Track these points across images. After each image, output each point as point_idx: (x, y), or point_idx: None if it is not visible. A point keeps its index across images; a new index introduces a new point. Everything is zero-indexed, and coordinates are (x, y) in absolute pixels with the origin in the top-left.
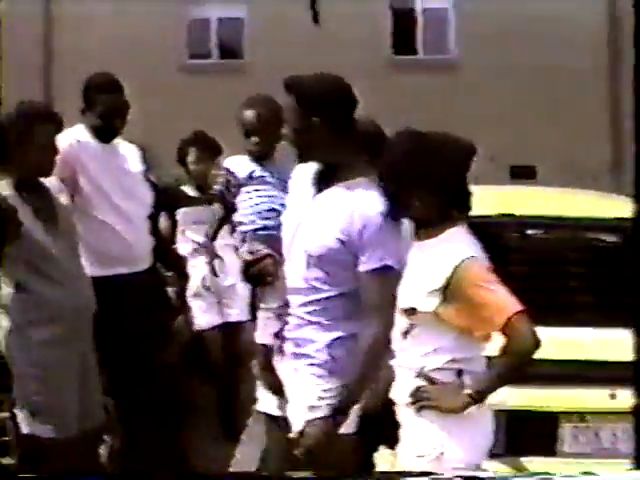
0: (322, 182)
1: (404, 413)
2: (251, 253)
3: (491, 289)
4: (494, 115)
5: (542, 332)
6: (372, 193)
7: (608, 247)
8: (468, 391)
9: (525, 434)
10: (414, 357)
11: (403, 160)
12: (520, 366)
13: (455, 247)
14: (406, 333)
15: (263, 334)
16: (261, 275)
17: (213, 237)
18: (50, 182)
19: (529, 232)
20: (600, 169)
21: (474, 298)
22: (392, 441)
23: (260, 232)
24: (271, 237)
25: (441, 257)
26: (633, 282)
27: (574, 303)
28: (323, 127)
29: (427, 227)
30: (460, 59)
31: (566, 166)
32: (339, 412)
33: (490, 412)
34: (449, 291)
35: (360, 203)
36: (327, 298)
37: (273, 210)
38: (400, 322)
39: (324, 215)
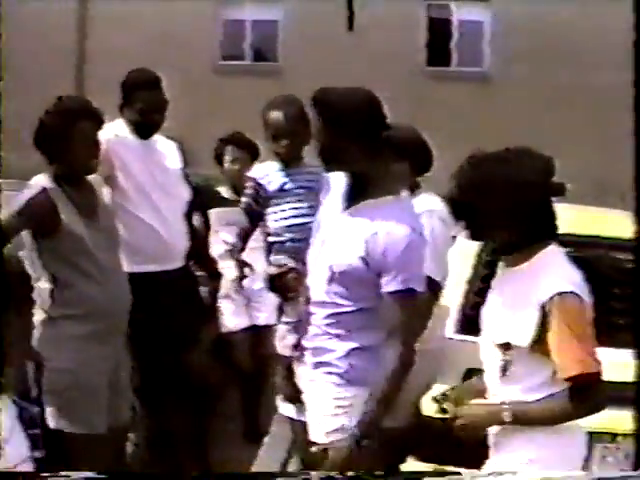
0: (351, 196)
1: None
2: (276, 266)
3: (572, 335)
4: (524, 130)
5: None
6: (398, 213)
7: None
8: (507, 418)
9: None
10: (513, 395)
11: (483, 184)
12: (562, 421)
13: (551, 276)
14: (504, 370)
15: (282, 345)
16: (284, 289)
17: (241, 249)
18: (93, 177)
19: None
20: (627, 188)
21: (556, 337)
22: (422, 452)
23: (286, 244)
24: (297, 250)
25: (536, 287)
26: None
27: (609, 323)
28: (351, 144)
29: (516, 252)
30: (493, 72)
31: (595, 184)
32: (363, 435)
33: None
34: (544, 325)
35: (386, 224)
36: (347, 312)
37: (300, 224)
38: (496, 357)
39: (349, 232)
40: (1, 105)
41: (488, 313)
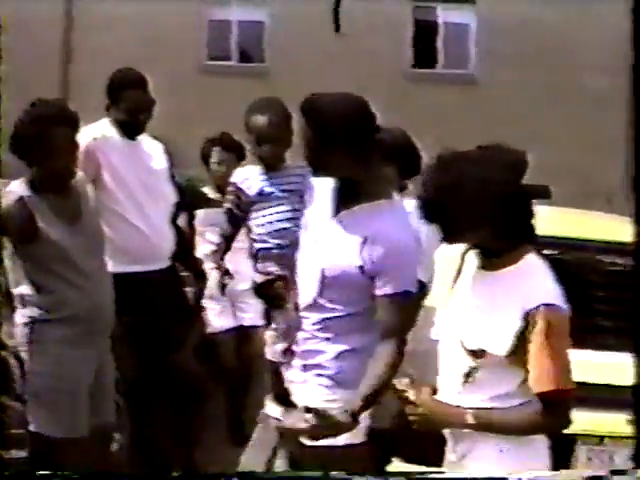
0: (341, 201)
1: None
2: (263, 274)
3: (553, 349)
4: (510, 132)
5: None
6: (393, 217)
7: (623, 271)
8: (470, 421)
9: None
10: (475, 402)
11: (452, 183)
12: (526, 434)
13: (536, 285)
14: (468, 375)
15: (272, 352)
16: (271, 296)
17: (223, 254)
18: (78, 176)
19: (545, 252)
20: (614, 191)
21: (537, 349)
22: (406, 453)
23: (273, 251)
24: (284, 256)
25: (520, 294)
26: (634, 305)
27: (591, 326)
28: (340, 150)
29: (495, 256)
30: (478, 74)
31: (580, 187)
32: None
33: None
34: (525, 334)
35: (381, 228)
36: (338, 317)
37: (285, 229)
38: (461, 362)
39: (343, 237)
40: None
41: (460, 316)
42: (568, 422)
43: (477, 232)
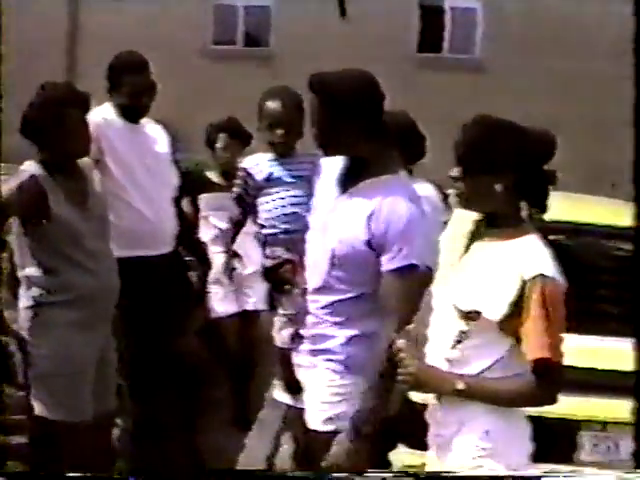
0: (348, 179)
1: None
2: (271, 258)
3: (547, 319)
4: (516, 118)
5: (566, 339)
6: (398, 190)
7: (628, 256)
8: (460, 386)
9: (544, 441)
10: (467, 369)
11: (485, 143)
12: (516, 404)
13: (535, 258)
14: (458, 341)
15: (280, 337)
16: (279, 281)
17: (232, 238)
18: (84, 161)
19: (551, 238)
20: (619, 176)
21: (529, 318)
22: (411, 440)
23: (281, 236)
24: (292, 241)
25: (519, 264)
26: (635, 291)
27: (597, 312)
28: (349, 126)
29: (500, 226)
30: (485, 59)
31: (586, 172)
32: (363, 422)
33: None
34: (519, 303)
35: (385, 200)
36: (347, 299)
37: (293, 213)
38: (453, 326)
39: (349, 214)
40: None
41: (456, 281)
42: (556, 397)
43: (497, 195)
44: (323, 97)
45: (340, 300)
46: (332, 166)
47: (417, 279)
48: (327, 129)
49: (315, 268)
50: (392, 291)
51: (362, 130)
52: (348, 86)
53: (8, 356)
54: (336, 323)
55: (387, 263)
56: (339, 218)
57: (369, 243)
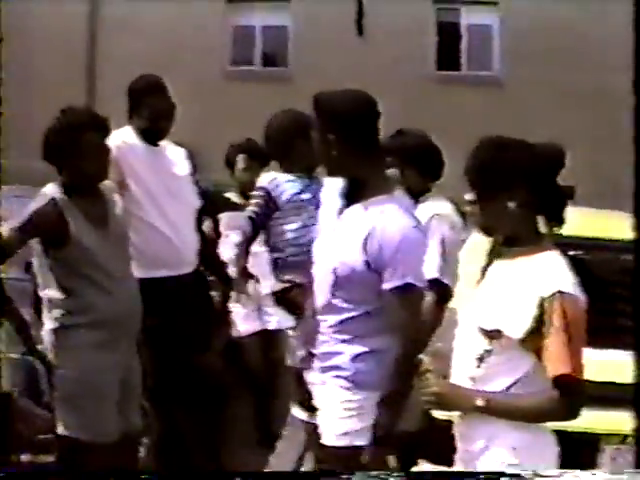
0: (346, 199)
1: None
2: (281, 282)
3: (568, 335)
4: (535, 133)
5: (585, 354)
6: (392, 209)
7: None
8: (479, 403)
9: (565, 454)
10: (491, 387)
11: (493, 164)
12: (538, 420)
13: (554, 275)
14: (481, 359)
15: (293, 358)
16: (290, 304)
17: (245, 260)
18: (105, 184)
19: (571, 253)
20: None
21: (550, 335)
22: (433, 455)
23: (291, 259)
24: (301, 264)
25: (537, 282)
26: (634, 303)
27: (616, 325)
28: (340, 144)
29: (516, 245)
30: (503, 75)
31: (604, 186)
32: (382, 438)
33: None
34: (539, 321)
35: (379, 221)
36: (353, 317)
37: (303, 237)
38: (476, 345)
39: (346, 234)
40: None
41: (479, 299)
42: (578, 412)
43: (510, 216)
44: (317, 113)
45: (347, 318)
46: (334, 187)
47: (417, 296)
48: (320, 146)
49: (320, 289)
50: (395, 309)
51: (353, 149)
52: (340, 104)
53: (36, 376)
54: (344, 341)
55: (386, 282)
56: (339, 240)
57: (367, 264)
